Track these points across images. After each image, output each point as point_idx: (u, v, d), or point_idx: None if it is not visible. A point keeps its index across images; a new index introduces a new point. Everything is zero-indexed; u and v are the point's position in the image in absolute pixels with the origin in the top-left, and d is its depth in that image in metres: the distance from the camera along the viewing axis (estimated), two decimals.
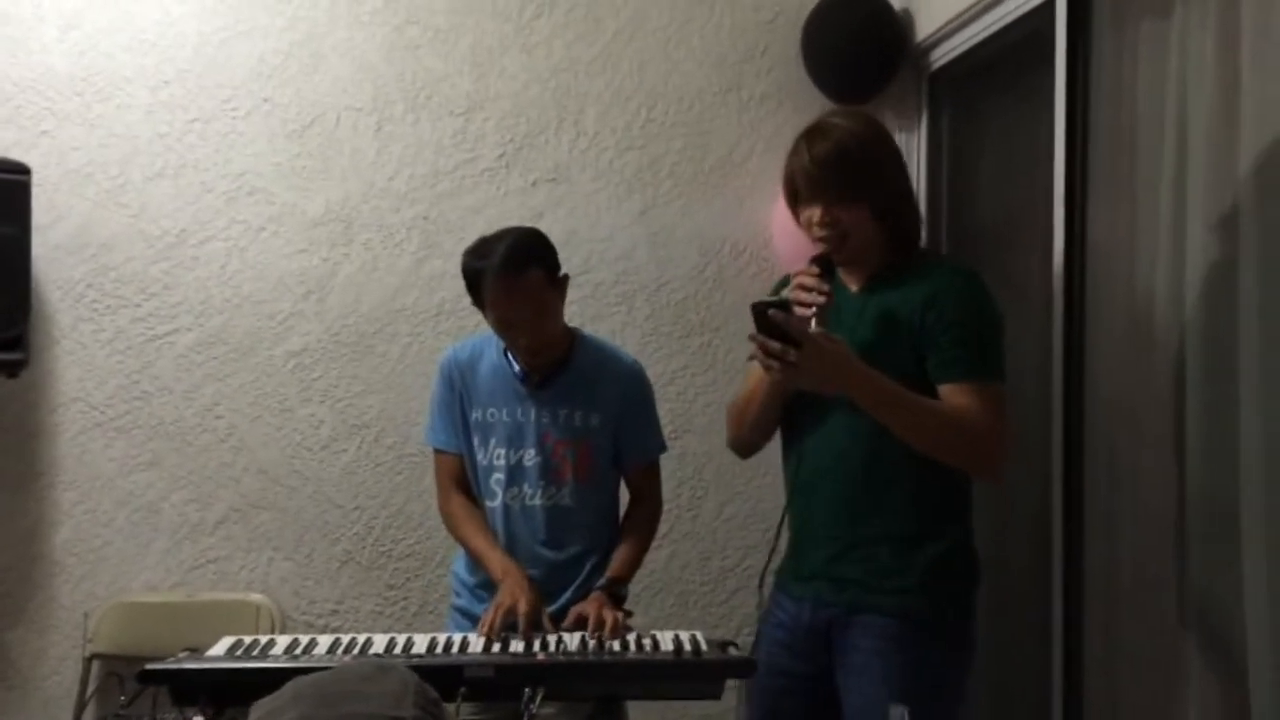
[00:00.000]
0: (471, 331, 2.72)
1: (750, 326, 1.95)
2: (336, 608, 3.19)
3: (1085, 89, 2.36)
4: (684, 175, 3.29)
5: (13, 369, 2.87)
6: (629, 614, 2.22)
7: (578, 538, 2.35)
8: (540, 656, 1.96)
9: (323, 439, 3.19)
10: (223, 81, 3.15)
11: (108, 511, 3.12)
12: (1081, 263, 2.35)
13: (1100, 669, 2.26)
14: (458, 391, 2.40)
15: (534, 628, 2.11)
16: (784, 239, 3.09)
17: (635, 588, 2.39)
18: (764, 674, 2.07)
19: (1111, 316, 2.26)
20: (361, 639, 2.05)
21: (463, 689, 1.88)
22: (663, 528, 2.57)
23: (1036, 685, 2.50)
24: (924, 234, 2.25)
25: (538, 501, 2.33)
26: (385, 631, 2.20)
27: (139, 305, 3.13)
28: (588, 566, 2.34)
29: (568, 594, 2.30)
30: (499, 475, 2.35)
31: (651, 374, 2.53)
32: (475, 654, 1.99)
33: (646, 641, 2.03)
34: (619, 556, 2.33)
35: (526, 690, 1.84)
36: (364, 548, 3.20)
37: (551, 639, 2.06)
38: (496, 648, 2.02)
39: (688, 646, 1.99)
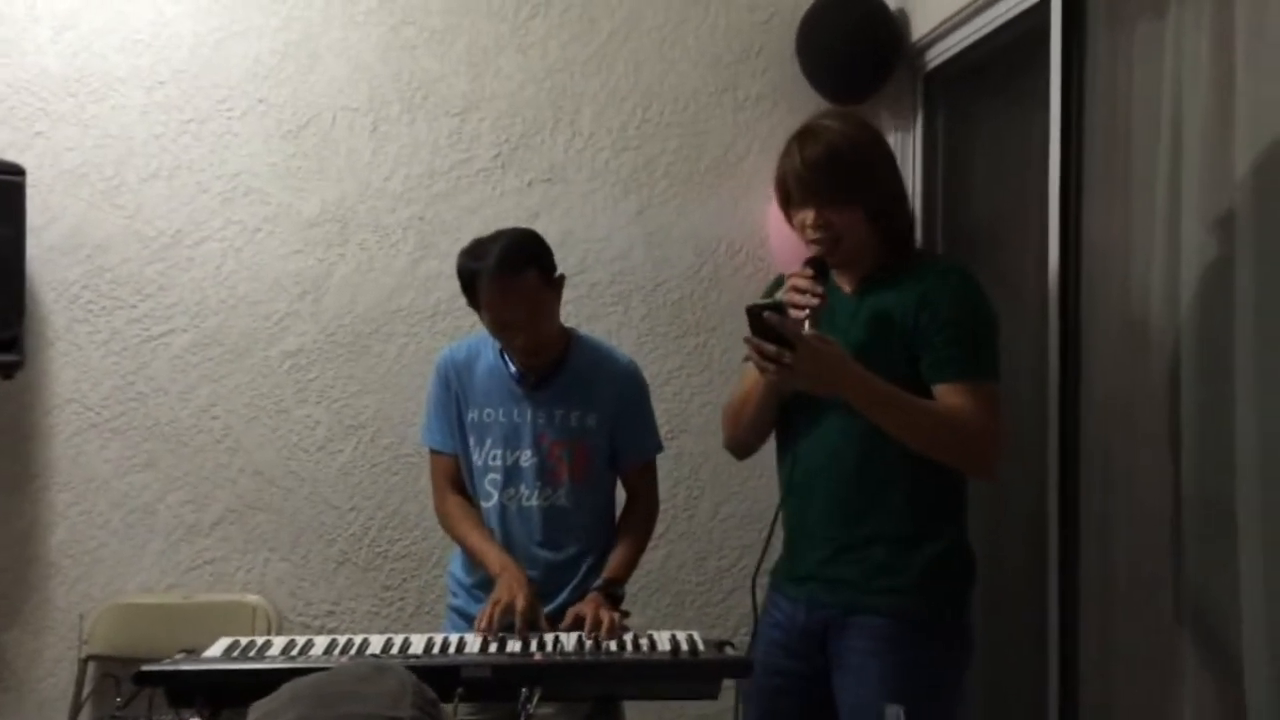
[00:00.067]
0: (467, 332, 2.72)
1: (745, 328, 1.96)
2: (333, 608, 3.19)
3: (1080, 89, 2.36)
4: (680, 175, 3.29)
5: (8, 370, 2.87)
6: (626, 614, 2.22)
7: (574, 538, 2.35)
8: (537, 657, 1.96)
9: (319, 440, 3.19)
10: (218, 82, 3.14)
11: (103, 513, 3.12)
12: (1076, 263, 2.35)
13: (1096, 668, 2.26)
14: (454, 392, 2.40)
15: (531, 626, 2.11)
16: (779, 239, 3.09)
17: (632, 588, 2.39)
18: (761, 674, 2.08)
19: (1107, 316, 2.26)
20: (358, 639, 2.05)
21: (460, 689, 1.88)
22: (659, 528, 2.58)
23: (1032, 685, 2.50)
24: (918, 234, 2.25)
25: (534, 502, 2.33)
26: (382, 632, 2.20)
27: (134, 306, 3.13)
28: (584, 567, 2.35)
29: (564, 594, 2.30)
30: (495, 476, 2.35)
31: (647, 374, 2.53)
32: (472, 654, 1.99)
33: (643, 642, 2.04)
34: (615, 557, 2.34)
35: (523, 690, 1.84)
36: (360, 548, 3.20)
37: (548, 639, 2.06)
38: (493, 648, 2.02)
39: (684, 646, 1.99)
